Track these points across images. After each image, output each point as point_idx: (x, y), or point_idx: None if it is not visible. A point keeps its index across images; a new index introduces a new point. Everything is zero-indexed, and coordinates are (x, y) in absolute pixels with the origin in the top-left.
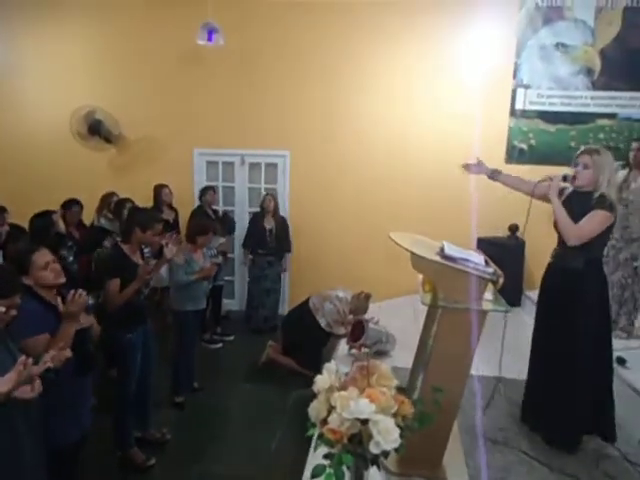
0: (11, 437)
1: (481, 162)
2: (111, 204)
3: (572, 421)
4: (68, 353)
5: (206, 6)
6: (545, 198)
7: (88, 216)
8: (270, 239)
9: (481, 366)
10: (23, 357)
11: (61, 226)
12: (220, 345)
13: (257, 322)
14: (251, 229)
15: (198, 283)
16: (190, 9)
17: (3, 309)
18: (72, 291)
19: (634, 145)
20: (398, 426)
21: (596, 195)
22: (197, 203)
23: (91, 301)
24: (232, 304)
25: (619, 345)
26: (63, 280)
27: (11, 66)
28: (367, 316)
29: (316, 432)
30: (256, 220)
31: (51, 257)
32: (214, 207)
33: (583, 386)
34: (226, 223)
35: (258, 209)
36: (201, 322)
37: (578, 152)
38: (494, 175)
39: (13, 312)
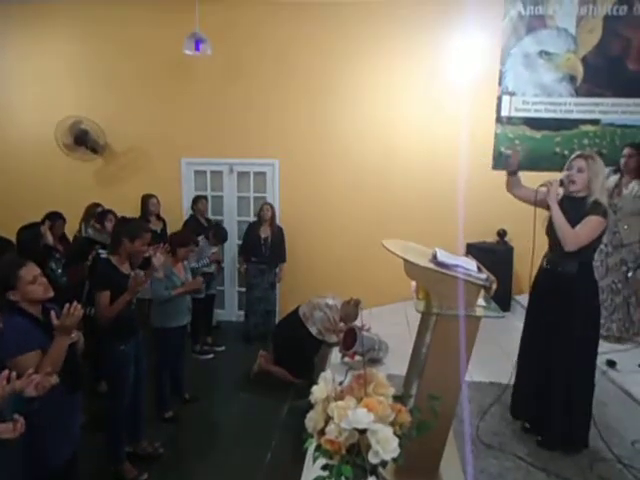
0: None
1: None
2: (95, 215)
3: (569, 421)
4: (54, 380)
5: (193, 16)
6: (543, 204)
7: (72, 228)
8: (265, 248)
9: (474, 372)
10: (6, 372)
11: (49, 238)
12: (211, 356)
13: (248, 330)
14: (246, 237)
15: (180, 298)
16: (177, 19)
17: None
18: (67, 305)
19: (625, 151)
20: (396, 435)
21: (590, 201)
22: (185, 213)
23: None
24: (222, 314)
25: (608, 348)
26: (51, 294)
27: None
28: (359, 323)
29: (313, 443)
30: (252, 229)
31: (38, 271)
32: (207, 216)
33: (578, 387)
34: (218, 232)
35: (248, 218)
36: (192, 333)
37: (573, 156)
38: (515, 173)
39: None
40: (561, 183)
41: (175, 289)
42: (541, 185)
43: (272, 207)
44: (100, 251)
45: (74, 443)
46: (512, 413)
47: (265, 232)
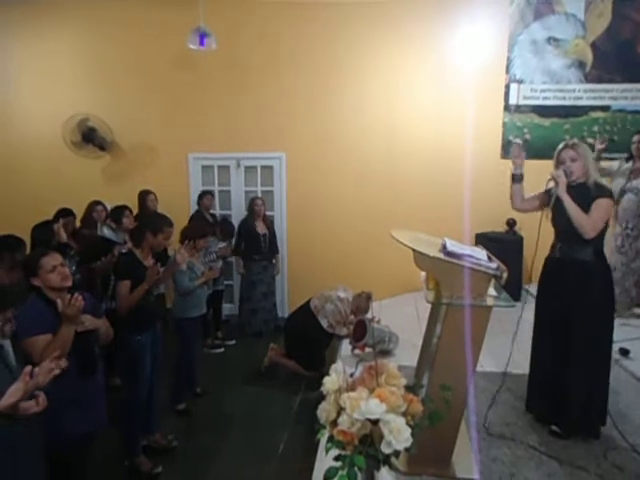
0: (7, 449)
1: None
2: (93, 212)
3: (587, 409)
4: (63, 363)
5: (198, 10)
6: (546, 202)
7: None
8: (264, 244)
9: (485, 362)
10: (29, 367)
11: (63, 236)
12: (222, 350)
13: (257, 326)
14: (243, 235)
15: (200, 288)
16: (182, 13)
17: None
18: (68, 295)
19: (635, 138)
20: (408, 425)
21: (591, 184)
22: (193, 208)
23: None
24: (231, 308)
25: (622, 336)
26: (69, 283)
27: (3, 75)
28: (369, 315)
29: (326, 434)
30: (247, 225)
31: (59, 261)
32: (212, 211)
33: (596, 372)
34: (226, 228)
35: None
36: (203, 327)
37: (559, 148)
38: (519, 179)
39: (8, 327)
40: (565, 175)
41: (197, 279)
42: (549, 180)
43: (263, 200)
44: (123, 250)
45: (90, 425)
46: (527, 407)
47: (261, 228)
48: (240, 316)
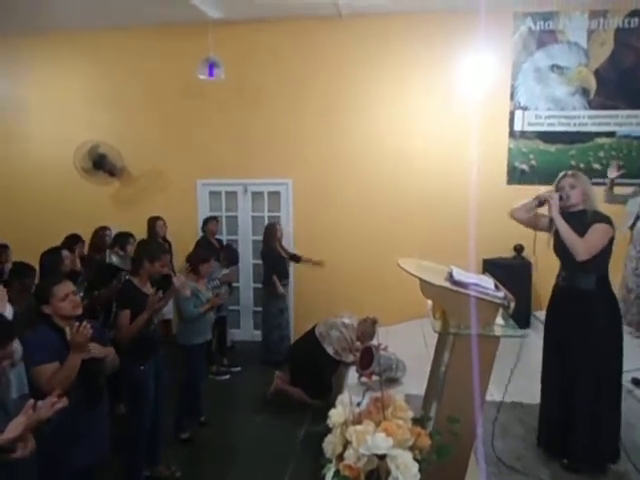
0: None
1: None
2: (103, 237)
3: (596, 443)
4: (64, 402)
5: (207, 39)
6: (544, 226)
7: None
8: (287, 268)
9: (494, 391)
10: (31, 401)
11: (77, 264)
12: (227, 377)
13: (284, 353)
14: (270, 260)
15: (205, 315)
16: (191, 43)
17: None
18: (77, 322)
19: None
20: (416, 460)
21: (589, 212)
22: (200, 233)
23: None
24: (237, 334)
25: (633, 365)
26: (79, 312)
27: (16, 102)
28: (375, 342)
29: (331, 469)
30: (273, 250)
31: (71, 289)
32: (217, 237)
33: (604, 405)
34: (229, 254)
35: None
36: (207, 354)
37: (559, 177)
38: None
39: (6, 362)
40: (560, 198)
41: (202, 306)
42: (535, 198)
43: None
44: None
45: (90, 457)
46: (538, 439)
47: (283, 252)
48: (266, 343)
